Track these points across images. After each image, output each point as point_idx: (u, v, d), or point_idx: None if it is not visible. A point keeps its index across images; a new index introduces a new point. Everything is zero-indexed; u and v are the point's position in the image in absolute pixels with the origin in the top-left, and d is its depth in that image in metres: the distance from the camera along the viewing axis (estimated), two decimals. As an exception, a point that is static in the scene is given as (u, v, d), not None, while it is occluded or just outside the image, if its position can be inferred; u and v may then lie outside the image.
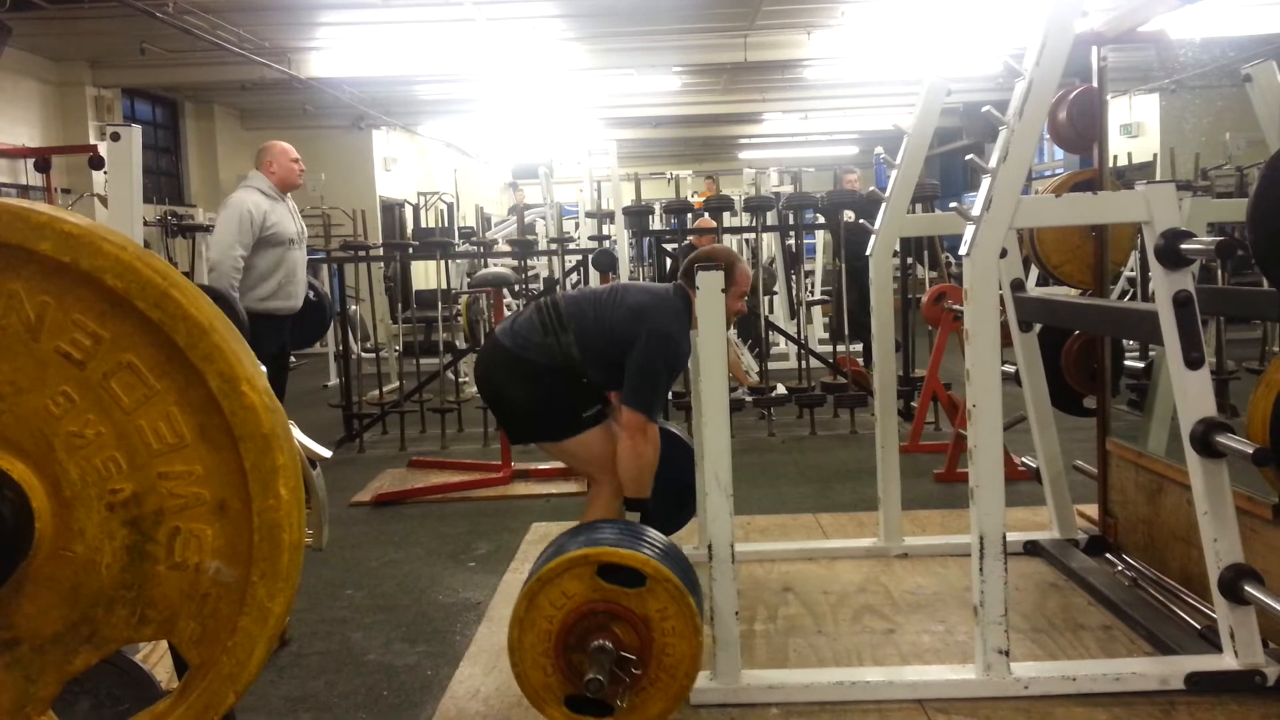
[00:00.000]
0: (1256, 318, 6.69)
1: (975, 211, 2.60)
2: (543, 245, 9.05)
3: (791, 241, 8.14)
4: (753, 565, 3.64)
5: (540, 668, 2.34)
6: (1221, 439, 2.49)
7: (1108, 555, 3.51)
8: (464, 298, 7.34)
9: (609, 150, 8.59)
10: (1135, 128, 11.91)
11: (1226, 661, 2.55)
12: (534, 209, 11.17)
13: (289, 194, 4.93)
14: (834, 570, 3.60)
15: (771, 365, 7.02)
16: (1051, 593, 3.32)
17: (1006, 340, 2.96)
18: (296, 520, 1.23)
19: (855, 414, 6.31)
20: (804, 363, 6.55)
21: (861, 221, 4.35)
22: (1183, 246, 2.49)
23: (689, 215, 7.17)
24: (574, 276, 7.15)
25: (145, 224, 6.14)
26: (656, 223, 8.44)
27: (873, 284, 3.80)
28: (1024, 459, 4.08)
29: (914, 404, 6.04)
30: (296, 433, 1.80)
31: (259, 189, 4.77)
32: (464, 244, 8.16)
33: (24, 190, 8.39)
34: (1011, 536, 2.84)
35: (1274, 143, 3.35)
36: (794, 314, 8.03)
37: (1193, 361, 2.54)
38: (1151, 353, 4.33)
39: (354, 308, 9.26)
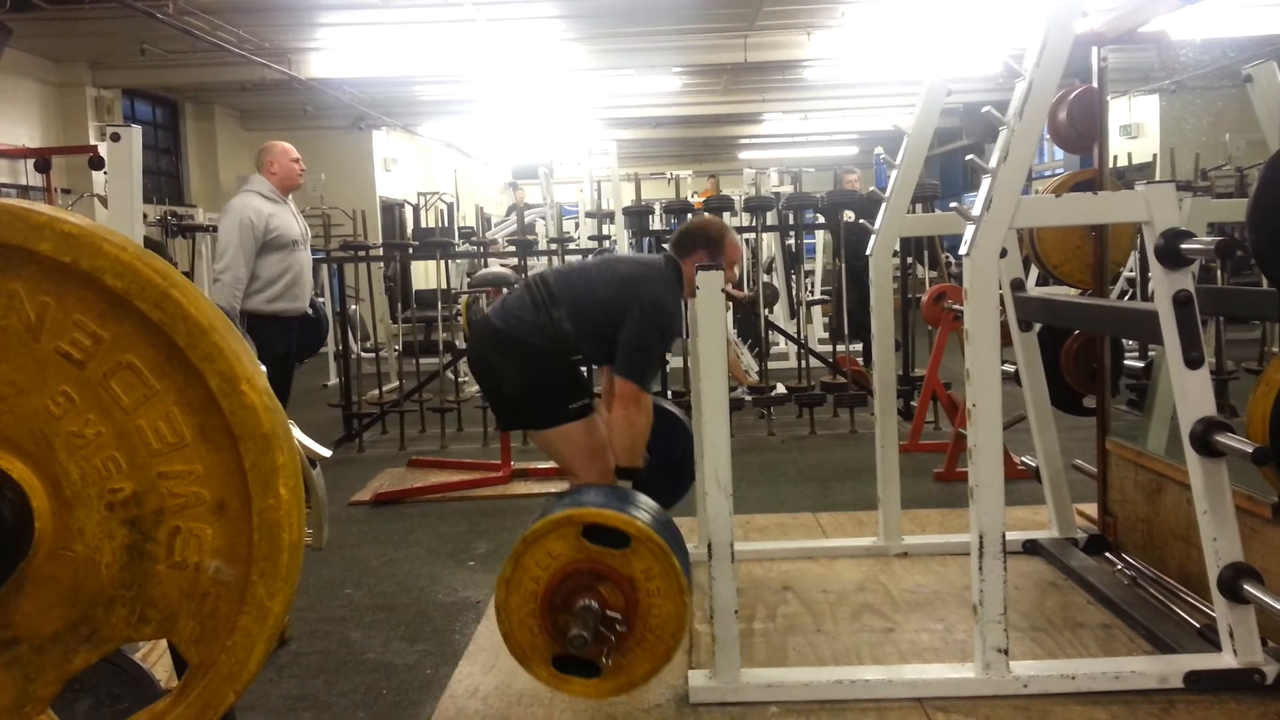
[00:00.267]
0: (1256, 318, 6.69)
1: (975, 211, 2.60)
2: (543, 245, 9.05)
3: (791, 241, 8.14)
4: (752, 564, 3.64)
5: (527, 628, 2.36)
6: (1221, 438, 2.49)
7: (1107, 554, 3.51)
8: (464, 297, 7.32)
9: (609, 150, 8.59)
10: (1135, 128, 11.90)
11: (1225, 660, 2.56)
12: (534, 209, 11.17)
13: (290, 195, 4.93)
14: (833, 569, 3.60)
15: (771, 365, 7.02)
16: (1051, 591, 3.32)
17: (1006, 340, 2.96)
18: (296, 520, 1.23)
19: (855, 413, 6.31)
20: (804, 362, 6.55)
21: (861, 221, 4.35)
22: (1183, 246, 2.50)
23: (689, 215, 7.17)
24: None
25: (145, 224, 6.15)
26: (656, 223, 8.43)
27: (873, 284, 3.80)
28: (1024, 458, 4.09)
29: (914, 403, 6.04)
30: (296, 432, 1.81)
31: (259, 193, 4.76)
32: (464, 244, 8.16)
33: (24, 191, 8.38)
34: (1011, 535, 2.85)
35: (1274, 143, 3.35)
36: (794, 314, 8.03)
37: (1192, 361, 2.54)
38: (1151, 352, 4.34)
39: (354, 307, 9.26)
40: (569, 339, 3.05)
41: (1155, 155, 9.15)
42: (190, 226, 9.74)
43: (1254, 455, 2.42)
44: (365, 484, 5.30)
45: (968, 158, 2.96)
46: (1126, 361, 3.97)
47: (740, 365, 7.28)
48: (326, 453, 2.28)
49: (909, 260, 6.77)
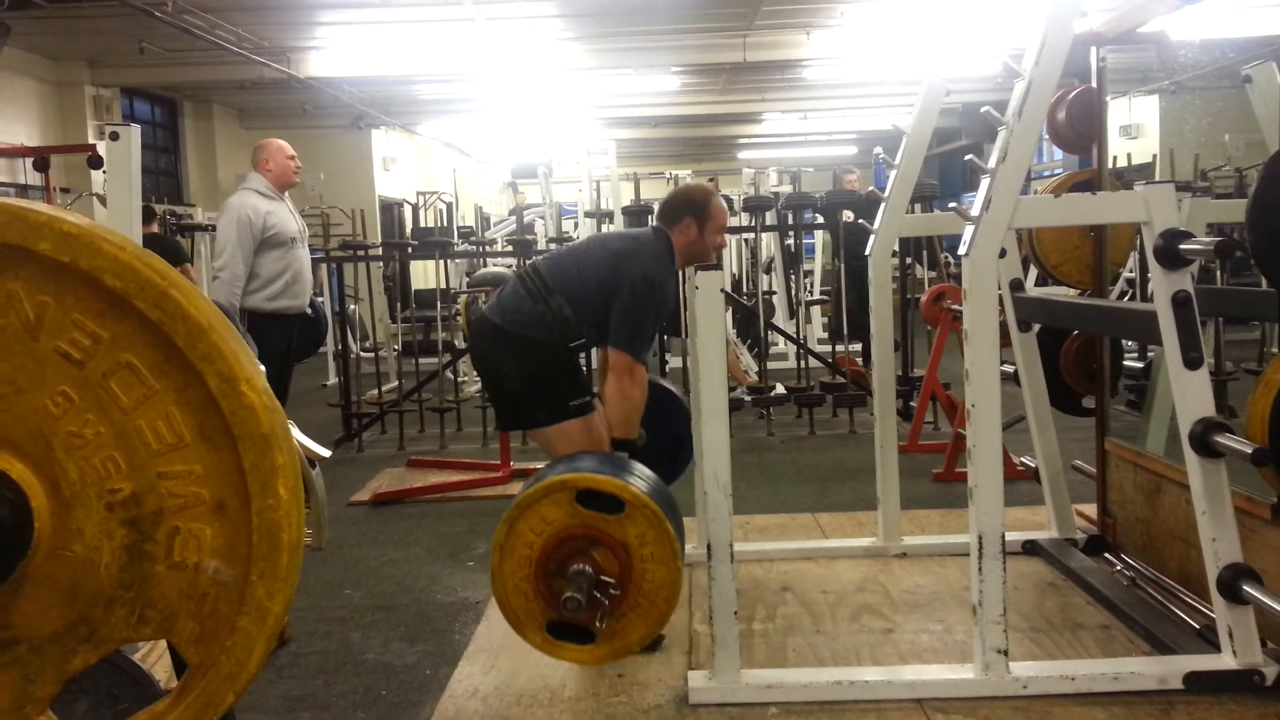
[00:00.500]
0: (1255, 318, 6.70)
1: (974, 212, 2.60)
2: (542, 245, 9.04)
3: (790, 241, 8.14)
4: (751, 565, 3.64)
5: (521, 593, 2.36)
6: (1220, 439, 2.49)
7: (1106, 555, 3.51)
8: (463, 297, 7.32)
9: (608, 150, 8.58)
10: (1135, 129, 11.91)
11: (1225, 661, 2.56)
12: (533, 209, 11.16)
13: (287, 193, 4.93)
14: (833, 570, 3.60)
15: (770, 365, 7.02)
16: (1050, 592, 3.32)
17: (1005, 340, 2.97)
18: (295, 520, 1.23)
19: (854, 414, 6.31)
20: (803, 362, 6.55)
21: (861, 221, 4.35)
22: (1182, 247, 2.49)
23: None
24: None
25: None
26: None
27: (872, 284, 3.80)
28: (1023, 459, 4.09)
29: (913, 404, 6.04)
30: (295, 432, 1.81)
31: (256, 190, 4.77)
32: (463, 244, 8.16)
33: (23, 190, 8.38)
34: (1010, 536, 2.84)
35: (1273, 144, 3.35)
36: (793, 314, 8.04)
37: (1191, 361, 2.54)
38: (1150, 353, 4.34)
39: (353, 307, 9.25)
40: (571, 324, 3.02)
41: (1155, 156, 9.15)
42: (189, 225, 9.74)
43: (1253, 456, 2.42)
44: (364, 484, 5.29)
45: (967, 158, 2.96)
46: (1126, 362, 3.97)
47: (739, 365, 7.29)
48: (326, 453, 2.28)
49: (908, 260, 6.77)
